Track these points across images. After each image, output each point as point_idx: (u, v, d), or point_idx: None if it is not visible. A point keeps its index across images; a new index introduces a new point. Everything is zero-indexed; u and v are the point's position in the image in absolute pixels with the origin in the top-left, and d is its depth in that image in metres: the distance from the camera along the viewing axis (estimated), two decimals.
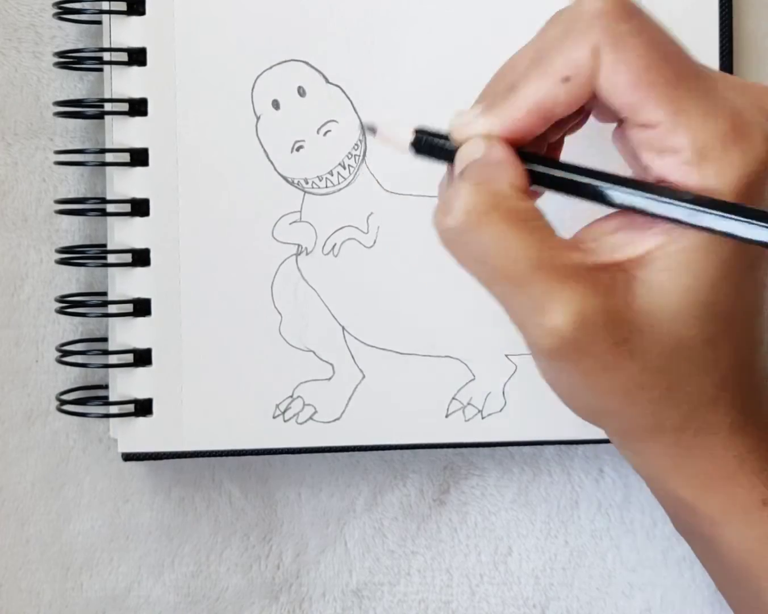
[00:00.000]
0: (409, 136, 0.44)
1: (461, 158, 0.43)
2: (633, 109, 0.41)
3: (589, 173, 0.41)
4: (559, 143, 0.47)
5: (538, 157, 0.43)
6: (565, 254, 0.40)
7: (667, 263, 0.41)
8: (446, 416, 0.54)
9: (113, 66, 0.52)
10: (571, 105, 0.42)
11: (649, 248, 0.41)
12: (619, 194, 0.41)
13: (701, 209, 0.40)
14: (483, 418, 0.54)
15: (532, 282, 0.40)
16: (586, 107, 0.43)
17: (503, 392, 0.54)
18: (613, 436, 0.46)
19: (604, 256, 0.41)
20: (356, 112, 0.53)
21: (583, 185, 0.41)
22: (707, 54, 0.54)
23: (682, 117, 0.40)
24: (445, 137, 0.43)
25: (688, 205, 0.40)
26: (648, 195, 0.41)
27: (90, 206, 0.53)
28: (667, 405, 0.43)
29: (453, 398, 0.54)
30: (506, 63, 0.44)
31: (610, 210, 0.42)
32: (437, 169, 0.51)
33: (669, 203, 0.40)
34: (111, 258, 0.53)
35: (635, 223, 0.41)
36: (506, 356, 0.54)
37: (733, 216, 0.39)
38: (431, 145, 0.44)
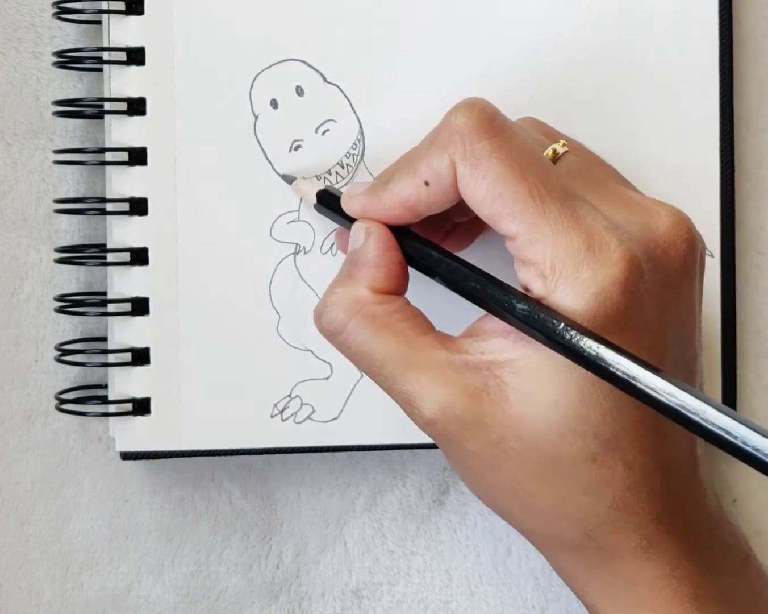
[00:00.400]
0: (314, 194, 0.50)
1: (350, 240, 0.47)
2: (493, 220, 0.42)
3: (451, 266, 0.44)
4: (467, 234, 0.51)
5: (419, 241, 0.46)
6: (430, 353, 0.43)
7: (533, 374, 0.41)
8: None
9: (112, 65, 0.52)
10: (433, 206, 0.45)
11: (516, 356, 0.42)
12: (476, 296, 0.43)
13: (537, 324, 0.41)
14: None
15: (402, 381, 0.43)
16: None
17: None
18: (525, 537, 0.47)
19: (475, 357, 0.43)
20: (354, 112, 0.53)
21: (443, 277, 0.44)
22: (707, 54, 0.54)
23: (536, 232, 0.41)
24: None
25: (523, 314, 0.41)
26: (494, 298, 0.42)
27: (89, 206, 0.53)
28: (561, 519, 0.43)
29: None
30: (403, 155, 0.47)
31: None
32: None
33: (507, 308, 0.42)
34: (110, 257, 0.53)
35: (507, 327, 0.42)
36: None
37: (569, 338, 0.40)
38: (329, 205, 0.50)
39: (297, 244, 0.53)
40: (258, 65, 0.52)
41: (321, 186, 0.51)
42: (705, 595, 0.43)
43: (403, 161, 0.46)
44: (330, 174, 0.53)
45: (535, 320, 0.40)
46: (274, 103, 0.53)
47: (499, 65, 0.53)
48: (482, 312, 0.44)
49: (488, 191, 0.42)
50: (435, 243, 0.46)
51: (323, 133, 0.53)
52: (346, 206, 0.47)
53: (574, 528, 0.43)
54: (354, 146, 0.53)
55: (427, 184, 0.44)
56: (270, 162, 0.53)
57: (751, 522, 0.58)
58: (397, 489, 0.58)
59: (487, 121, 0.43)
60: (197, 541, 0.57)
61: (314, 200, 0.50)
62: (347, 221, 0.48)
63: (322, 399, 0.54)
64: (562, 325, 0.40)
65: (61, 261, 0.54)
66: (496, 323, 0.43)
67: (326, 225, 0.53)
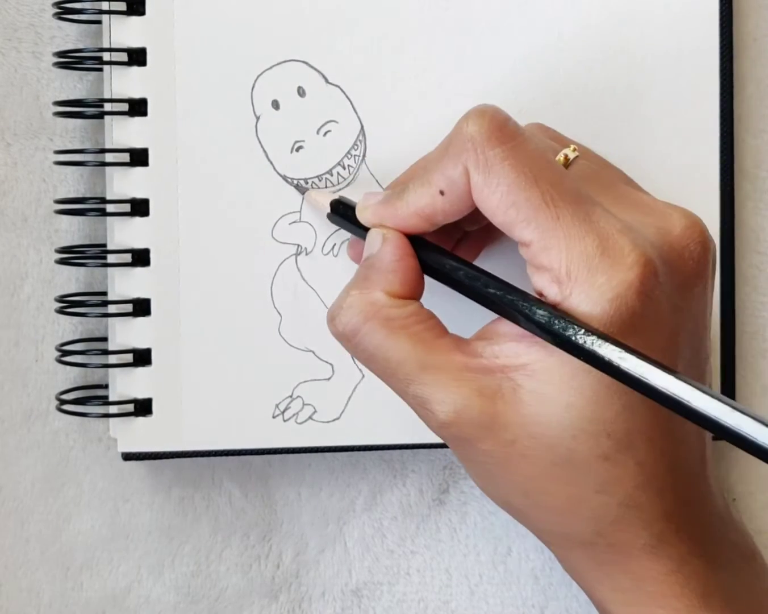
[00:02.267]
0: (328, 203, 0.51)
1: (366, 246, 0.47)
2: (507, 228, 0.43)
3: (469, 274, 0.44)
4: (477, 243, 0.51)
5: (435, 250, 0.46)
6: (447, 356, 0.43)
7: (548, 377, 0.42)
8: None
9: (113, 66, 0.52)
10: (449, 215, 0.45)
11: (530, 360, 0.42)
12: (495, 302, 0.43)
13: (556, 329, 0.41)
14: None
15: (417, 383, 0.43)
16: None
17: None
18: (535, 535, 0.47)
19: (490, 360, 0.43)
20: (356, 113, 0.53)
21: (461, 284, 0.45)
22: (707, 54, 0.54)
23: (551, 238, 0.41)
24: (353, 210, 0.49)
25: (543, 320, 0.41)
26: (514, 305, 0.42)
27: (90, 206, 0.53)
28: (572, 517, 0.44)
29: None
30: (416, 162, 0.49)
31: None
32: None
33: (526, 315, 0.42)
34: (111, 258, 0.53)
35: (524, 332, 0.43)
36: None
37: (583, 340, 0.40)
38: (344, 214, 0.50)
39: (298, 245, 0.53)
40: (259, 66, 0.52)
41: (334, 196, 0.51)
42: (713, 592, 0.44)
43: (417, 169, 0.46)
44: (331, 175, 0.53)
45: (554, 326, 0.41)
46: (275, 104, 0.53)
47: (501, 67, 0.53)
48: (492, 316, 0.44)
49: (502, 199, 0.42)
50: (449, 251, 0.46)
51: (325, 134, 0.53)
52: (362, 216, 0.47)
53: (585, 525, 0.43)
54: (355, 147, 0.53)
55: (442, 193, 0.44)
56: (271, 163, 0.53)
57: (752, 522, 0.58)
58: (397, 488, 0.58)
59: (498, 128, 0.43)
60: (197, 541, 0.57)
61: (327, 210, 0.51)
62: (362, 230, 0.48)
63: (323, 400, 0.54)
64: (582, 331, 0.40)
65: (61, 262, 0.54)
66: (509, 327, 0.43)
67: (328, 226, 0.53)
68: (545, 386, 0.42)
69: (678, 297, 0.43)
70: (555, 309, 0.41)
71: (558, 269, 0.41)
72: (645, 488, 0.43)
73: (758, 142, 0.57)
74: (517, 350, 0.42)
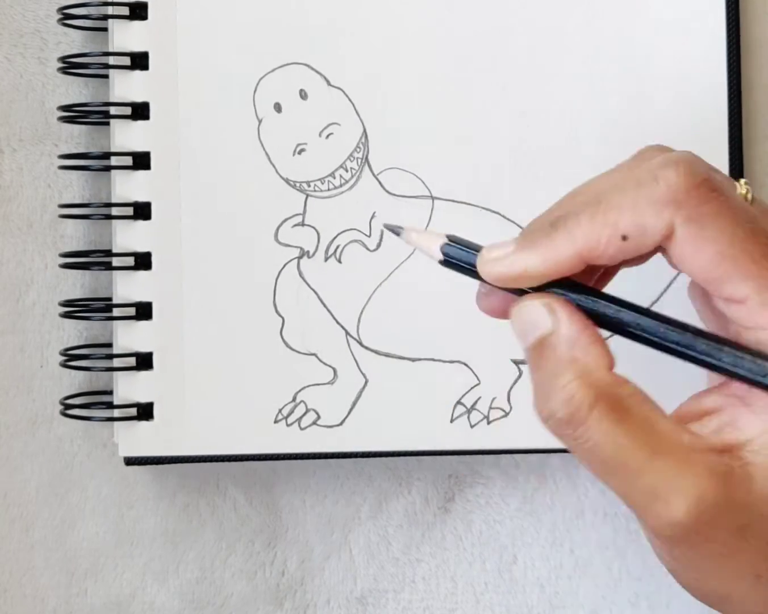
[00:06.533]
0: (439, 250, 0.42)
1: (522, 327, 0.41)
2: (717, 283, 0.39)
3: (666, 322, 0.40)
4: (609, 274, 0.45)
5: (594, 293, 0.40)
6: (676, 438, 0.39)
7: None
8: (451, 421, 0.54)
9: (116, 70, 0.52)
10: (616, 259, 0.40)
11: (753, 434, 0.40)
12: (708, 352, 0.39)
13: None
14: (489, 423, 0.54)
15: (648, 472, 0.38)
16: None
17: (508, 398, 0.54)
18: None
19: (713, 438, 0.40)
20: (358, 115, 0.53)
21: (661, 341, 0.40)
22: (715, 61, 0.54)
23: None
24: (473, 263, 0.41)
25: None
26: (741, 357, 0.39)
27: (94, 210, 0.53)
28: None
29: (458, 402, 0.54)
30: (557, 204, 0.42)
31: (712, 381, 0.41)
32: (441, 172, 0.51)
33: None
34: (115, 262, 0.53)
35: (734, 402, 0.40)
36: (512, 360, 0.54)
37: None
38: (460, 264, 0.41)
39: (301, 248, 0.53)
40: (261, 69, 0.53)
41: (441, 240, 0.42)
42: None
43: (583, 205, 0.40)
44: (334, 177, 0.53)
45: None
46: (277, 107, 0.53)
47: (504, 69, 0.53)
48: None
49: (717, 253, 0.39)
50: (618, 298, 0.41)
51: (327, 136, 0.53)
52: (489, 270, 0.40)
53: None
54: (358, 149, 0.53)
55: (624, 238, 0.39)
56: (274, 166, 0.53)
57: None
58: (403, 496, 0.58)
59: (704, 182, 0.39)
60: (202, 547, 0.57)
61: (439, 257, 0.42)
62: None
63: (326, 405, 0.53)
64: None
65: (66, 266, 0.54)
66: (720, 399, 0.41)
67: (331, 229, 0.53)
68: None
69: None
70: None
71: None
72: None
73: (766, 147, 0.57)
74: (739, 424, 0.40)
